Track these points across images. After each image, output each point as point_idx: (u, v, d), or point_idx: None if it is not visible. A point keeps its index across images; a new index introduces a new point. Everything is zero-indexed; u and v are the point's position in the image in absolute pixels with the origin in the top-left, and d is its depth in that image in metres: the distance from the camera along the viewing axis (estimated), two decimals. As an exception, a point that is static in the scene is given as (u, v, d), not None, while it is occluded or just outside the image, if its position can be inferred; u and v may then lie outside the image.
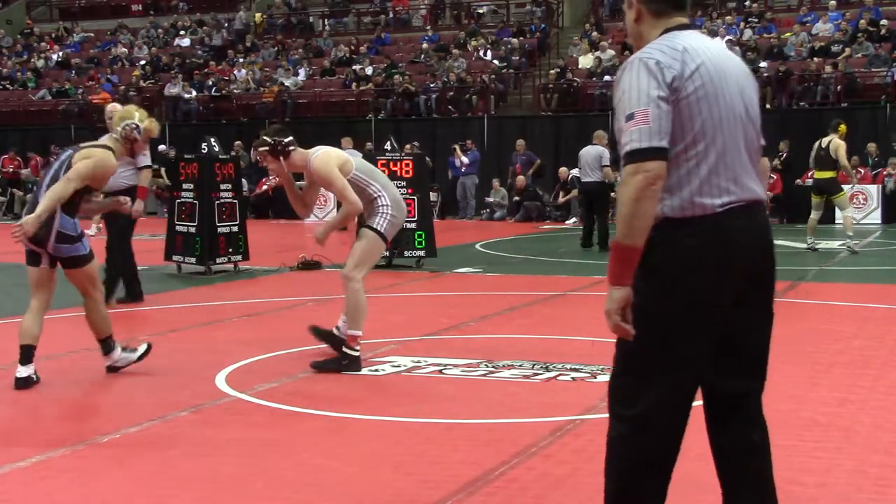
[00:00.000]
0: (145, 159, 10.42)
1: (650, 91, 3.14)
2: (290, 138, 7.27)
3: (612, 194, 15.80)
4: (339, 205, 8.11)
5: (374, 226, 7.19)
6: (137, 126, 7.04)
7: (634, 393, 3.39)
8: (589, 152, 16.39)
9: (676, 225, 3.18)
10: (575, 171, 23.92)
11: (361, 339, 7.15)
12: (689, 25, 3.39)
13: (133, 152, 7.27)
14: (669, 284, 3.20)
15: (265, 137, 7.24)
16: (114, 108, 9.57)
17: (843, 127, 15.22)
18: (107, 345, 7.04)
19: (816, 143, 15.12)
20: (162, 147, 27.55)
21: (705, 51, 3.26)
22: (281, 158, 7.20)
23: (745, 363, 3.40)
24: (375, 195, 7.23)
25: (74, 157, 6.87)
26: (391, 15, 33.53)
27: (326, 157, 7.20)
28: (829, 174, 15.06)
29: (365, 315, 7.10)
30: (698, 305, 3.20)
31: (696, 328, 3.23)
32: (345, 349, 7.09)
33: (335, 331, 7.37)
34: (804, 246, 15.51)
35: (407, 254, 13.72)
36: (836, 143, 14.92)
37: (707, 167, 3.19)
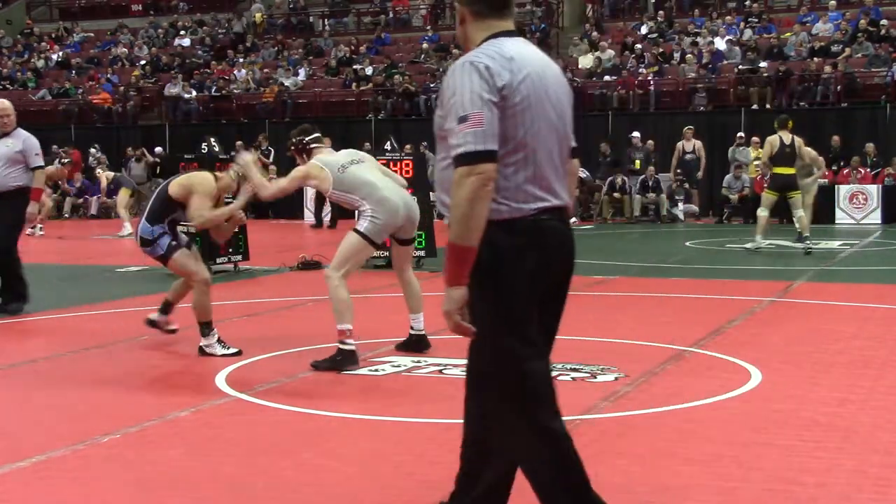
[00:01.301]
0: (38, 160, 10.20)
1: (482, 94, 3.24)
2: (313, 136, 7.72)
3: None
4: (337, 207, 8.27)
5: (357, 227, 7.30)
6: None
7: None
8: None
9: (496, 227, 3.31)
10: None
11: (357, 335, 7.18)
12: (514, 32, 3.49)
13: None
14: (492, 284, 3.34)
15: (291, 135, 7.79)
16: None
17: (790, 122, 15.30)
18: (204, 328, 7.69)
19: (775, 140, 15.04)
20: (158, 149, 27.56)
21: (531, 61, 3.37)
22: (304, 156, 7.65)
23: (549, 349, 3.66)
24: (357, 204, 7.37)
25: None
26: (391, 15, 33.53)
27: (305, 168, 7.52)
28: (792, 171, 15.10)
29: (350, 309, 7.12)
30: (518, 302, 3.36)
31: (519, 320, 3.39)
32: (337, 345, 7.09)
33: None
34: (803, 246, 15.43)
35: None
36: (799, 140, 15.09)
37: (524, 175, 3.33)
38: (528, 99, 3.30)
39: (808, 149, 15.12)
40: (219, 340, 7.66)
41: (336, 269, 7.24)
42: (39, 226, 19.82)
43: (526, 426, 3.47)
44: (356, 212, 7.43)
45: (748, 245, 15.32)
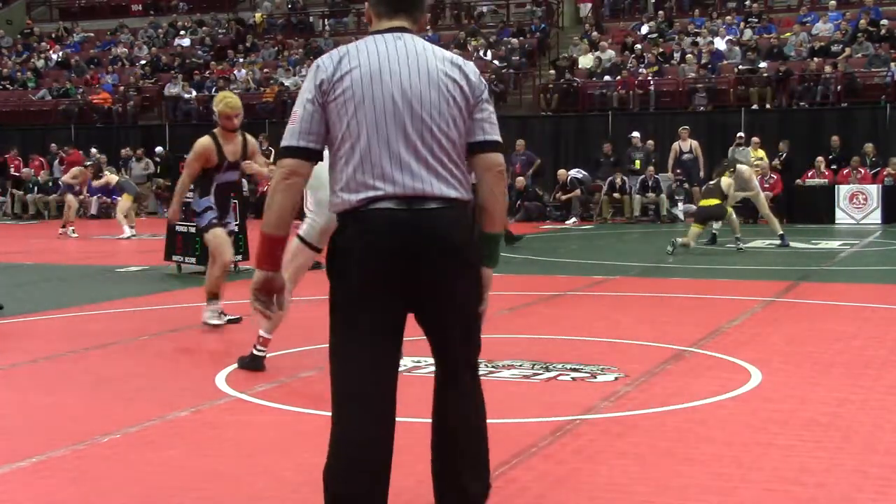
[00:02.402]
0: None
1: (306, 93, 3.48)
2: None
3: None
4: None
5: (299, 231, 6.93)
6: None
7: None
8: None
9: (338, 220, 3.53)
10: (574, 172, 24.00)
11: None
12: (398, 29, 3.54)
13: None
14: (334, 273, 3.53)
15: None
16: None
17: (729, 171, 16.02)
18: (211, 298, 8.48)
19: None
20: (158, 149, 27.56)
21: (373, 53, 3.45)
22: None
23: (441, 341, 3.70)
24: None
25: None
26: (391, 15, 33.52)
27: None
28: (716, 200, 15.41)
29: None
30: (355, 290, 3.47)
31: (360, 309, 3.46)
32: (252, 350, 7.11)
33: None
34: (805, 246, 15.46)
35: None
36: (728, 181, 15.64)
37: (352, 166, 3.44)
38: (352, 90, 3.41)
39: (731, 186, 15.77)
40: (221, 313, 8.22)
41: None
42: (71, 227, 19.81)
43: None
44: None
45: (671, 245, 15.26)
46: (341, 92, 3.41)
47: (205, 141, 8.39)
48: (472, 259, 3.58)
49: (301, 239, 6.93)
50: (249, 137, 8.62)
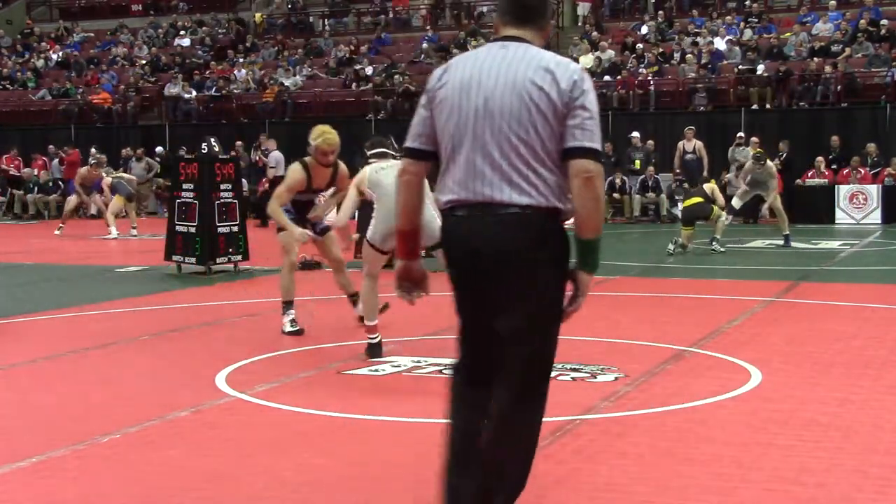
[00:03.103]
0: None
1: (421, 99, 3.75)
2: (374, 151, 7.98)
3: None
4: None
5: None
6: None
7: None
8: None
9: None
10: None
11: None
12: (513, 38, 3.65)
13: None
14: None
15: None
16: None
17: (713, 181, 16.36)
18: (284, 306, 8.61)
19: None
20: (159, 149, 27.56)
21: (471, 64, 3.63)
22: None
23: (502, 342, 3.69)
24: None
25: None
26: (391, 15, 33.51)
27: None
28: (699, 199, 15.42)
29: (372, 308, 7.56)
30: (451, 282, 3.74)
31: (458, 299, 3.74)
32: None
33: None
34: (805, 246, 15.45)
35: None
36: (711, 186, 15.75)
37: (444, 170, 3.67)
38: (447, 99, 3.61)
39: (716, 191, 15.84)
40: (291, 321, 8.47)
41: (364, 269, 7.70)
42: (61, 226, 19.80)
43: None
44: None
45: (672, 244, 15.34)
46: (440, 100, 3.64)
47: (297, 174, 8.27)
48: (537, 265, 3.58)
49: (367, 241, 7.53)
50: (340, 165, 8.45)
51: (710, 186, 15.73)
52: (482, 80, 3.57)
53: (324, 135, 8.15)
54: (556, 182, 3.56)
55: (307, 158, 8.32)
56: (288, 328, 8.46)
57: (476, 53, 3.67)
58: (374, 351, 7.45)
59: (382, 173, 7.58)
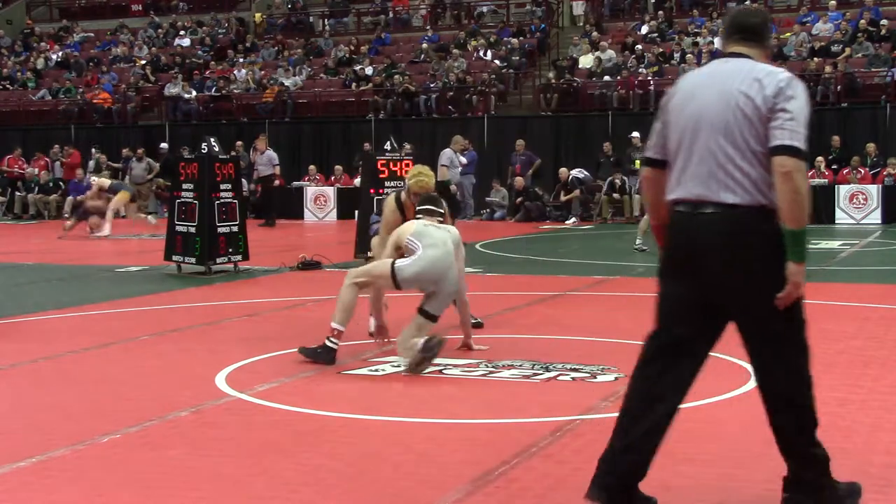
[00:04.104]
0: None
1: (659, 112, 4.27)
2: (421, 206, 7.75)
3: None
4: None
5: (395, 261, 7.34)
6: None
7: None
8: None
9: None
10: (575, 172, 23.99)
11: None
12: (734, 54, 4.11)
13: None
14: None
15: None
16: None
17: None
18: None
19: None
20: (163, 145, 27.57)
21: (695, 78, 4.17)
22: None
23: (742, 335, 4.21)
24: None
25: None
26: (391, 15, 33.53)
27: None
28: None
29: (345, 311, 7.32)
30: (663, 268, 4.21)
31: (669, 288, 4.17)
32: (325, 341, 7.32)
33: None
34: None
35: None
36: None
37: (671, 171, 4.14)
38: (672, 112, 4.14)
39: None
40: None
41: (353, 275, 7.39)
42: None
43: None
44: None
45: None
46: (668, 112, 4.17)
47: (392, 215, 8.14)
48: (748, 257, 3.94)
49: (392, 267, 7.21)
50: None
51: None
52: (700, 93, 4.06)
53: (417, 176, 7.99)
54: (763, 180, 3.92)
55: (402, 194, 8.24)
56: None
57: (700, 70, 4.22)
58: (327, 356, 7.22)
59: (434, 229, 7.38)
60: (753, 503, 4.37)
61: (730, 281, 3.98)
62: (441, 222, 7.59)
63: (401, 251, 7.37)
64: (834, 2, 27.40)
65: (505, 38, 29.74)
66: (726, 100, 3.97)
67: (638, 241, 15.41)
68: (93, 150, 27.63)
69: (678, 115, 4.10)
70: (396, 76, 28.10)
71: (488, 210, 24.50)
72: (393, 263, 7.24)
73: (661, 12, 29.43)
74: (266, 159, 22.86)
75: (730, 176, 3.93)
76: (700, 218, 3.99)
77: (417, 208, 7.74)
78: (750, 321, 4.09)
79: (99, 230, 19.57)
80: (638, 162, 23.60)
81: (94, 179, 21.20)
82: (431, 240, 7.27)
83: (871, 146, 22.63)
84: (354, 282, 7.32)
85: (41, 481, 4.73)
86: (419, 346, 6.90)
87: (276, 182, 23.56)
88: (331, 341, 7.25)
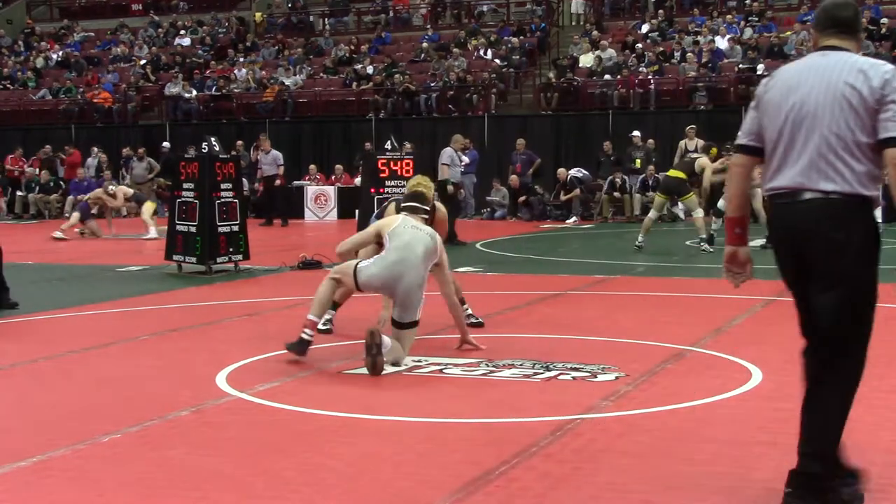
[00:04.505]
0: None
1: (752, 102, 4.37)
2: (406, 203, 7.80)
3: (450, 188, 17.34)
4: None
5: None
6: None
7: None
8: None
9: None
10: (574, 171, 23.98)
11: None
12: (830, 48, 4.16)
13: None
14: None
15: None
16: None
17: (714, 150, 16.23)
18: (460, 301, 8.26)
19: (682, 144, 15.44)
20: (166, 144, 27.56)
21: (793, 71, 4.22)
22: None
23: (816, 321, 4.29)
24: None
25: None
26: (391, 14, 33.53)
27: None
28: (681, 175, 15.48)
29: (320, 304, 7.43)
30: (776, 262, 4.27)
31: (783, 275, 4.27)
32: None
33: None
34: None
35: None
36: (703, 162, 15.65)
37: (768, 162, 4.21)
38: (770, 104, 4.19)
39: (707, 174, 15.70)
40: (469, 314, 8.38)
41: (332, 271, 7.54)
42: (60, 232, 19.71)
43: None
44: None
45: (700, 241, 15.51)
46: (766, 103, 4.22)
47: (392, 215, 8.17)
48: (842, 247, 4.00)
49: (355, 268, 7.32)
50: (438, 208, 8.25)
51: (703, 162, 15.60)
52: (800, 85, 4.12)
53: (416, 187, 7.98)
54: (865, 171, 3.99)
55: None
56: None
57: (798, 63, 4.27)
58: (301, 347, 7.31)
59: (409, 230, 7.39)
60: (753, 503, 4.36)
61: (823, 268, 4.05)
62: (425, 221, 7.61)
63: (380, 240, 7.52)
64: (834, 1, 27.37)
65: (505, 37, 29.74)
66: (831, 91, 4.03)
67: (640, 239, 15.39)
68: (95, 149, 27.62)
69: (778, 107, 4.15)
70: (397, 75, 28.09)
71: (489, 209, 24.50)
72: (357, 264, 7.38)
73: (661, 11, 29.42)
74: (271, 159, 22.86)
75: (831, 166, 4.00)
76: (799, 206, 4.07)
77: (402, 204, 7.76)
78: (818, 312, 4.20)
79: (95, 233, 19.66)
80: (639, 161, 23.64)
81: (113, 188, 21.27)
82: (399, 242, 7.33)
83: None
84: (332, 277, 7.48)
85: (41, 481, 4.73)
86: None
87: (278, 182, 23.57)
88: (306, 333, 7.35)
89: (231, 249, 13.34)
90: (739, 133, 4.33)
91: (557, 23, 31.62)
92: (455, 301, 7.76)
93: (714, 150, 16.11)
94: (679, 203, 20.17)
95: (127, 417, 5.81)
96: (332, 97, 28.73)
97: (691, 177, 15.49)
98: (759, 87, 4.33)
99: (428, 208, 7.74)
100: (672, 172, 15.83)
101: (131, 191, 21.25)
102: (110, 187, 21.39)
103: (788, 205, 4.10)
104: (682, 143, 23.17)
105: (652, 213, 15.76)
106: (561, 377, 6.77)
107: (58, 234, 19.24)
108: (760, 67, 24.84)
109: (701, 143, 23.00)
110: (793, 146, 4.09)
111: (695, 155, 16.43)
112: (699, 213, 15.51)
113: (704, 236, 15.41)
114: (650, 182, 23.13)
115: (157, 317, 9.83)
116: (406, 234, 7.36)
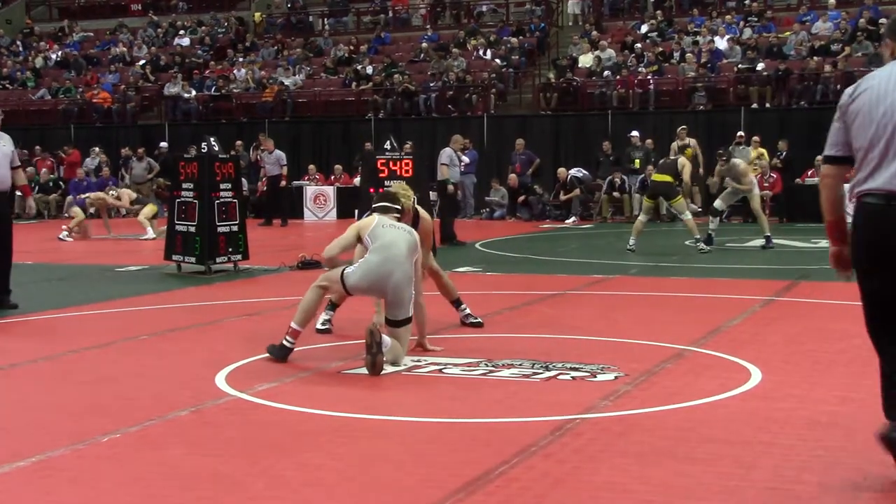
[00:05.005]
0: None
1: (836, 113, 4.53)
2: (377, 203, 7.79)
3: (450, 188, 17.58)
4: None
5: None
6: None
7: None
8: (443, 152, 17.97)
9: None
10: (574, 171, 23.98)
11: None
12: None
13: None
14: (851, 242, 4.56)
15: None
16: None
17: (689, 151, 16.74)
18: (457, 302, 8.83)
19: (674, 145, 15.90)
20: (163, 144, 27.55)
21: (877, 81, 4.37)
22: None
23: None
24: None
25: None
26: (391, 14, 33.52)
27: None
28: (667, 178, 15.52)
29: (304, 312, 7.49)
30: (857, 260, 4.51)
31: (861, 278, 4.48)
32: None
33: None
34: (805, 245, 15.39)
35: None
36: (682, 161, 15.90)
37: (858, 167, 4.38)
38: (859, 113, 4.37)
39: (686, 172, 15.97)
40: (467, 314, 8.75)
41: (319, 278, 7.58)
42: (66, 232, 19.70)
43: None
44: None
45: (695, 242, 15.53)
46: (854, 112, 4.39)
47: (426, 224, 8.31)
48: None
49: (342, 273, 7.39)
50: (421, 217, 8.26)
51: (682, 161, 15.83)
52: (887, 92, 4.32)
53: (386, 188, 8.13)
54: None
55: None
56: (469, 319, 8.78)
57: (880, 72, 4.43)
58: (281, 353, 7.37)
59: (388, 229, 7.42)
60: (755, 502, 4.37)
61: None
62: (398, 219, 7.62)
63: (361, 242, 7.52)
64: (833, 1, 27.39)
65: (504, 38, 29.73)
66: None
67: (631, 242, 15.36)
68: (95, 149, 27.60)
69: (869, 114, 4.32)
70: (396, 75, 28.09)
71: (488, 209, 24.50)
72: (344, 269, 7.40)
73: (660, 11, 29.42)
74: (274, 159, 22.84)
75: None
76: (891, 209, 4.24)
77: (374, 205, 7.79)
78: None
79: (85, 233, 19.70)
80: (638, 161, 23.64)
81: (115, 192, 21.28)
82: (381, 242, 7.35)
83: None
84: (318, 285, 7.51)
85: (41, 481, 4.73)
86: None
87: (283, 182, 23.57)
88: (287, 341, 7.41)
89: (230, 249, 13.34)
90: (826, 144, 4.52)
91: (557, 23, 31.61)
92: (421, 301, 7.76)
93: (689, 151, 16.33)
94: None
95: (127, 417, 5.81)
96: (331, 97, 28.73)
97: (677, 178, 15.52)
98: (842, 98, 4.50)
99: (399, 206, 7.76)
100: (657, 176, 15.83)
101: (136, 195, 21.33)
102: (112, 192, 21.42)
103: (883, 206, 4.28)
104: (673, 144, 23.17)
105: (642, 217, 15.78)
106: (560, 377, 6.77)
107: (63, 234, 19.26)
108: (760, 67, 24.87)
109: (693, 141, 23.05)
110: (887, 152, 4.28)
111: (673, 157, 16.56)
112: (688, 216, 15.51)
113: (699, 236, 15.41)
114: (649, 182, 23.12)
115: (157, 317, 9.83)
116: (386, 233, 7.41)
